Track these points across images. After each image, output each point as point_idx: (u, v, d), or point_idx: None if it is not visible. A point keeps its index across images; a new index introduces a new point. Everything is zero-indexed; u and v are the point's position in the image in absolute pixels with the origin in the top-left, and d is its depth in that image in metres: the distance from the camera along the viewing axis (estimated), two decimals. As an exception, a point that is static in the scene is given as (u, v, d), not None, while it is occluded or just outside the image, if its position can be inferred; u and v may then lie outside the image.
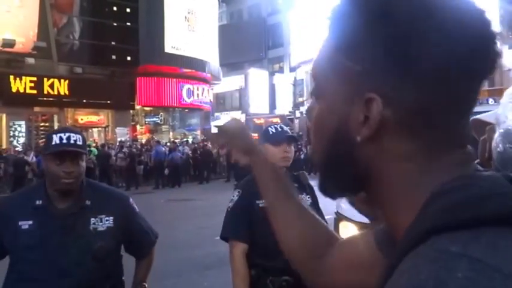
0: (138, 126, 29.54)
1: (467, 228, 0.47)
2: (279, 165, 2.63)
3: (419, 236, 0.50)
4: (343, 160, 0.62)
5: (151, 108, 29.38)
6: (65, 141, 2.03)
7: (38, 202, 2.08)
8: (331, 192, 0.69)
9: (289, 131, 2.71)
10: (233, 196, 2.64)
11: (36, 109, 22.65)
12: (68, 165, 2.03)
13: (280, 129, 2.68)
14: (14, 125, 21.54)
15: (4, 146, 19.92)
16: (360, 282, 0.85)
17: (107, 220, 2.14)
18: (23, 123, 21.64)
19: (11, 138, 20.90)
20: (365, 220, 3.63)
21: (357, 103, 0.58)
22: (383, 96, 0.56)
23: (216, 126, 1.14)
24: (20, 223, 2.04)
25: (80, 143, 2.09)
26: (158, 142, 22.20)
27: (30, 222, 2.05)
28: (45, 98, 21.92)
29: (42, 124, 22.94)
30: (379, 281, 0.53)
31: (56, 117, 23.55)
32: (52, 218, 2.07)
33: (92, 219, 2.12)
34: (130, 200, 2.34)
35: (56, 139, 2.04)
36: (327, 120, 0.63)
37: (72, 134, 2.08)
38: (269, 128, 2.72)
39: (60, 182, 2.04)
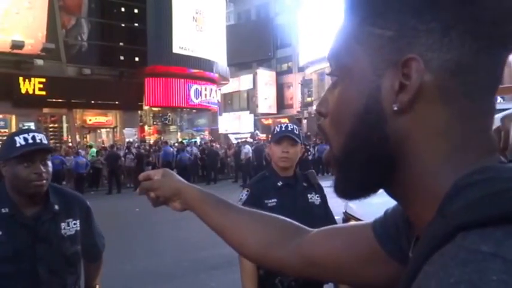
0: (146, 127, 29.65)
1: (497, 225, 0.43)
2: (279, 165, 2.61)
3: (445, 233, 0.46)
4: (373, 140, 0.56)
5: (160, 109, 29.47)
6: (30, 141, 1.92)
7: (3, 210, 1.94)
8: (351, 190, 0.62)
9: (295, 130, 2.63)
10: (242, 195, 2.61)
11: (45, 110, 22.79)
12: (38, 167, 1.92)
13: (283, 128, 2.62)
14: (24, 126, 21.67)
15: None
16: (351, 272, 0.83)
17: (74, 224, 2.08)
18: (32, 124, 21.76)
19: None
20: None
21: (390, 72, 0.54)
22: (426, 57, 0.52)
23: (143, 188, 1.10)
24: None
25: (45, 141, 1.99)
26: (166, 143, 22.26)
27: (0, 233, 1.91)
28: (54, 99, 22.06)
29: (51, 125, 23.10)
30: (403, 281, 0.49)
31: (64, 118, 23.71)
32: (22, 227, 1.95)
33: (62, 225, 2.04)
34: (88, 202, 2.28)
35: (20, 141, 1.91)
36: (353, 97, 0.57)
37: (35, 134, 1.96)
38: (275, 127, 2.69)
39: (31, 185, 1.92)
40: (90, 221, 2.23)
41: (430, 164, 0.54)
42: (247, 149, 20.69)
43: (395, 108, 0.54)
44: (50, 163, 2.01)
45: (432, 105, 0.53)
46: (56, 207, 2.04)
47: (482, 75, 0.53)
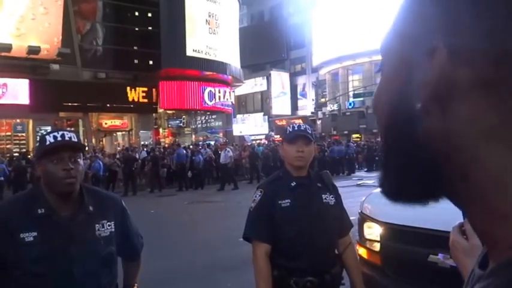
0: (161, 130, 29.82)
1: None
2: (293, 164, 2.59)
3: None
4: (406, 139, 0.48)
5: (174, 112, 29.62)
6: (59, 138, 1.95)
7: (39, 211, 1.95)
8: (393, 193, 0.52)
9: (309, 129, 2.62)
10: (255, 196, 2.60)
11: (62, 114, 23.07)
12: (66, 163, 1.93)
13: (296, 128, 2.60)
14: (40, 130, 21.95)
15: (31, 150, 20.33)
16: None
17: (109, 225, 2.09)
18: (48, 128, 22.01)
19: (38, 144, 21.31)
20: (390, 220, 3.57)
21: (421, 62, 0.45)
22: (451, 45, 0.43)
23: None
24: (22, 235, 1.90)
25: (75, 139, 2.02)
26: (178, 145, 22.37)
27: (35, 233, 1.91)
28: (70, 103, 22.30)
29: (67, 129, 23.28)
30: None
31: (80, 122, 23.96)
32: (58, 228, 1.96)
33: (97, 226, 2.05)
34: (123, 202, 2.28)
35: (49, 139, 1.96)
36: (387, 89, 0.50)
37: (65, 132, 2.00)
38: (288, 127, 2.66)
39: (62, 183, 1.93)
40: (125, 221, 2.23)
41: (486, 175, 0.43)
42: (228, 152, 19.99)
43: (418, 107, 0.45)
44: (81, 162, 2.02)
45: (472, 105, 0.43)
46: (91, 208, 2.05)
47: None
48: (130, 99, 24.09)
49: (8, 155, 19.26)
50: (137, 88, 24.39)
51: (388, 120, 0.50)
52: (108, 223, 2.09)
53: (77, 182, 1.99)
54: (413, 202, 0.51)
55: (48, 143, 1.95)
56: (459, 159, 0.45)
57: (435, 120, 0.45)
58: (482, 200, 0.44)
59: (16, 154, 19.67)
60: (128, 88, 24.09)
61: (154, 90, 25.23)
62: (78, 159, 2.00)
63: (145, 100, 24.84)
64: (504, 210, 0.42)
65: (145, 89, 24.73)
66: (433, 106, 0.44)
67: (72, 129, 23.27)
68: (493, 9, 0.41)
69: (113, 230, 2.10)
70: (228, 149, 20.66)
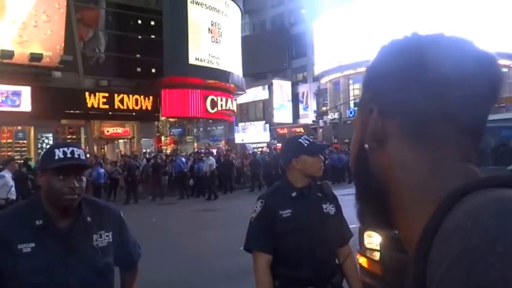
0: (162, 138, 29.83)
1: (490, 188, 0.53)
2: (316, 175, 2.64)
3: (453, 197, 0.53)
4: (363, 169, 0.66)
5: (176, 120, 29.65)
6: (69, 155, 1.96)
7: (37, 222, 1.97)
8: (360, 215, 0.70)
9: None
10: (256, 207, 2.61)
11: (63, 122, 23.10)
12: (72, 181, 1.95)
13: (311, 140, 2.68)
14: (42, 137, 21.99)
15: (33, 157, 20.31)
16: None
17: (106, 236, 2.10)
18: (50, 135, 22.07)
19: (39, 151, 21.32)
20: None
21: (367, 116, 0.65)
22: (383, 107, 0.63)
23: None
24: (20, 246, 1.92)
25: (83, 157, 2.02)
26: (176, 154, 22.39)
27: (33, 244, 1.94)
28: (71, 111, 22.35)
29: (69, 136, 23.38)
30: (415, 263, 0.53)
31: (82, 130, 23.98)
32: (56, 239, 1.98)
33: (94, 236, 2.06)
34: (122, 213, 2.29)
35: (59, 153, 1.95)
36: (354, 136, 0.69)
37: (75, 149, 2.00)
38: (300, 140, 2.65)
39: (63, 198, 1.95)
40: (123, 231, 2.24)
41: (408, 192, 0.61)
42: (211, 161, 19.88)
43: (366, 146, 0.65)
44: (84, 178, 2.03)
45: (397, 147, 0.62)
46: (89, 219, 2.06)
47: (447, 124, 0.60)
48: (131, 107, 24.14)
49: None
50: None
51: (354, 155, 0.69)
52: (106, 233, 2.10)
53: (78, 198, 2.00)
54: (381, 227, 0.74)
55: (57, 157, 1.95)
56: (390, 180, 0.63)
57: (376, 155, 0.64)
58: (401, 210, 0.62)
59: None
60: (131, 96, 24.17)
61: (152, 97, 25.26)
62: (83, 177, 2.02)
63: (149, 108, 24.92)
64: (416, 213, 0.58)
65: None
66: (374, 145, 0.64)
67: (74, 136, 23.36)
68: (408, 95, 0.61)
69: (111, 240, 2.11)
70: (210, 157, 20.62)
